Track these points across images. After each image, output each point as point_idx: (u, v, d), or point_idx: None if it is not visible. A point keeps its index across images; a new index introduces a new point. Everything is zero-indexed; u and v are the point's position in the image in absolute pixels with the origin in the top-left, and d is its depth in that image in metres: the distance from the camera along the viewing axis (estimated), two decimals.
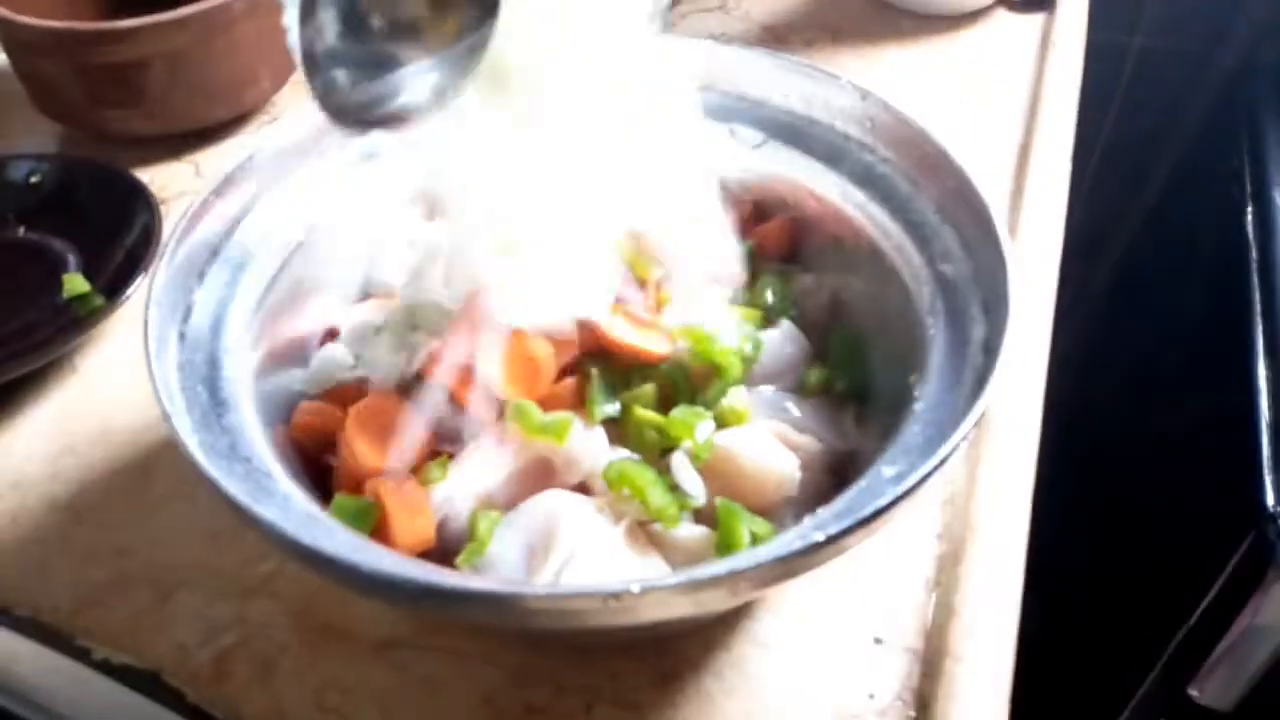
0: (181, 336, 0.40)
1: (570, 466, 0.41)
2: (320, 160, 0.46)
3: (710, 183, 0.46)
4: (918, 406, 0.37)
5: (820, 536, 0.30)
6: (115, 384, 0.53)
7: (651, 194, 0.44)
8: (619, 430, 0.42)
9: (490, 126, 0.39)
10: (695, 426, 0.41)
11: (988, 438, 0.47)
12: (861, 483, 0.34)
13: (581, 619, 0.31)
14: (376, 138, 0.46)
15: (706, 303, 0.45)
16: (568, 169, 0.41)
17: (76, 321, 0.54)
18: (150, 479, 0.48)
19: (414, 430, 0.40)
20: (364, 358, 0.44)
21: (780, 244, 0.50)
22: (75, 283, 0.56)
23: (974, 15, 0.78)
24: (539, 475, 0.41)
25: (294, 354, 0.45)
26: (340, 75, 0.35)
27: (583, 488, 0.41)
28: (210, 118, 0.68)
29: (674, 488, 0.40)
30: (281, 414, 0.42)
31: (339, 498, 0.39)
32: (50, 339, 0.53)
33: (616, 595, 0.29)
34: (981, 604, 0.41)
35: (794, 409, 0.44)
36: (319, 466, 0.42)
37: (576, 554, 0.37)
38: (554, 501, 0.39)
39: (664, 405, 0.42)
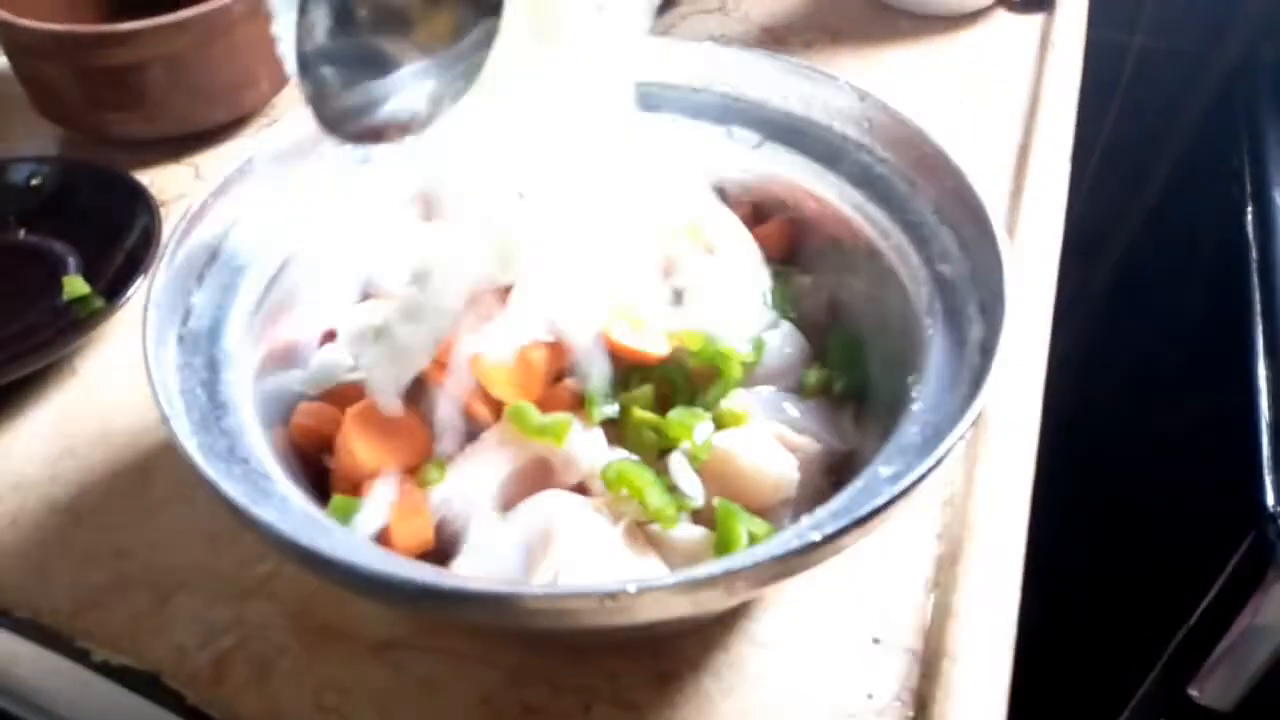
0: (180, 339, 0.40)
1: (569, 467, 0.41)
2: (319, 163, 0.46)
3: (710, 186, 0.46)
4: (915, 407, 0.37)
5: (816, 536, 0.30)
6: (115, 386, 0.53)
7: (651, 198, 0.44)
8: (618, 431, 0.42)
9: (488, 130, 0.39)
10: (694, 427, 0.41)
11: (986, 438, 0.47)
12: (858, 483, 0.34)
13: (578, 619, 0.31)
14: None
15: (734, 301, 0.45)
16: (567, 174, 0.41)
17: (76, 324, 0.54)
18: (150, 481, 0.48)
19: (412, 432, 0.41)
20: (362, 361, 0.44)
21: (778, 245, 0.50)
22: (75, 285, 0.56)
23: (973, 16, 0.78)
24: (538, 476, 0.41)
25: (293, 356, 0.45)
26: (333, 82, 0.35)
27: (581, 488, 0.41)
28: (210, 120, 0.68)
29: (672, 488, 0.40)
30: (281, 415, 0.42)
31: (337, 499, 0.39)
32: (50, 341, 0.53)
33: (613, 595, 0.29)
34: (980, 604, 0.41)
35: (792, 410, 0.44)
36: (318, 468, 0.42)
37: (575, 555, 0.37)
38: (552, 502, 0.39)
39: (663, 406, 0.42)
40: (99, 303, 0.55)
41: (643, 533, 0.39)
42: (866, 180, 0.47)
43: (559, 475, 0.41)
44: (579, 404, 0.42)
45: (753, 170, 0.50)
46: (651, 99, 0.49)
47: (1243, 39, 0.95)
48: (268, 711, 0.40)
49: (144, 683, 0.41)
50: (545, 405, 0.41)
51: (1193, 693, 0.66)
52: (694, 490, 0.40)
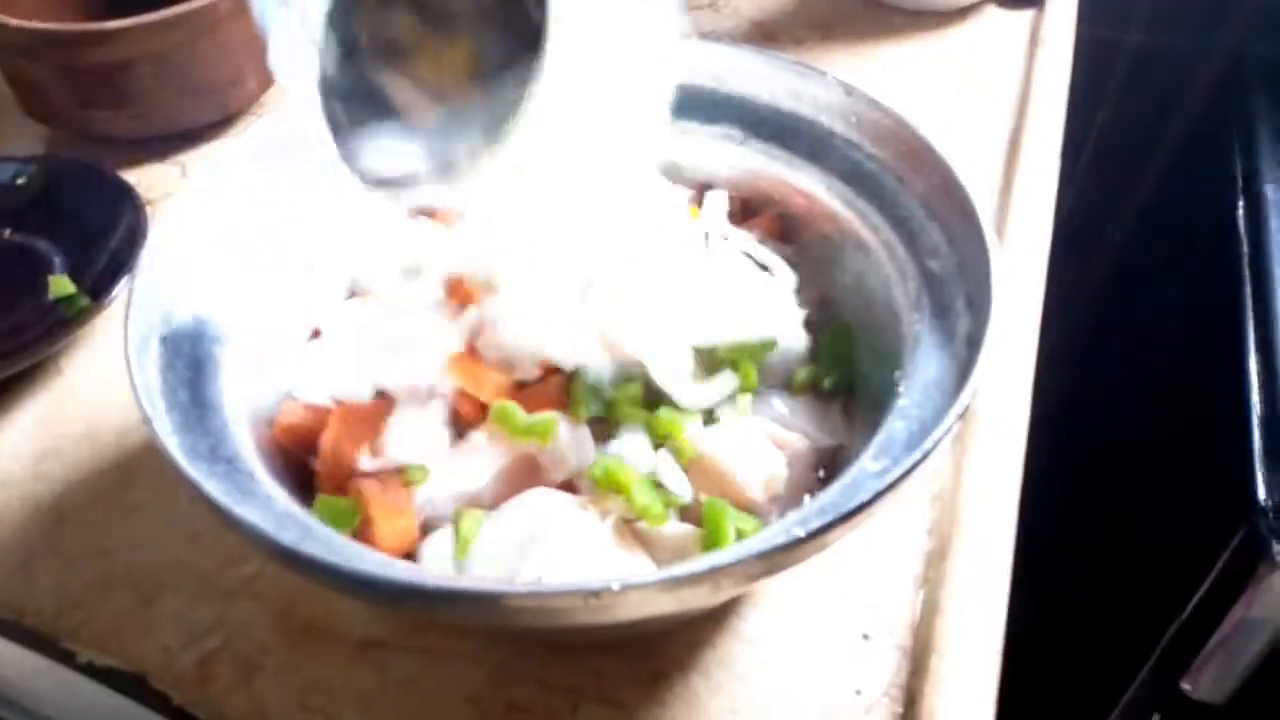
0: (163, 339, 0.40)
1: (556, 465, 0.40)
2: (305, 160, 0.46)
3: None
4: (902, 402, 0.37)
5: (801, 532, 0.30)
6: (100, 385, 0.53)
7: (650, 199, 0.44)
8: (605, 429, 0.42)
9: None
10: (682, 425, 0.40)
11: (975, 432, 0.47)
12: (845, 478, 0.34)
13: (563, 617, 0.31)
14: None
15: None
16: (560, 179, 0.41)
17: (62, 323, 0.54)
18: (134, 481, 0.48)
19: (397, 431, 0.40)
20: (346, 361, 0.43)
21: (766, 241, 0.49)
22: (61, 284, 0.56)
23: (964, 12, 0.78)
24: (524, 474, 0.41)
25: (278, 355, 0.44)
26: (368, 147, 0.34)
27: (569, 486, 0.40)
28: (196, 119, 0.68)
29: (659, 486, 0.40)
30: (265, 415, 0.42)
31: (321, 499, 0.39)
32: (36, 340, 0.53)
33: (597, 593, 0.29)
34: (969, 600, 0.41)
35: (781, 406, 0.44)
36: (302, 468, 0.42)
37: (562, 552, 0.37)
38: (539, 500, 0.39)
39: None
40: (85, 302, 0.55)
41: (630, 530, 0.39)
42: (855, 175, 0.46)
43: (546, 473, 0.40)
44: (566, 402, 0.42)
45: (740, 166, 0.50)
46: None
47: (1235, 36, 0.95)
48: (253, 712, 0.39)
49: (129, 684, 0.41)
50: (532, 403, 0.41)
51: (1185, 687, 0.66)
52: (681, 487, 0.39)
